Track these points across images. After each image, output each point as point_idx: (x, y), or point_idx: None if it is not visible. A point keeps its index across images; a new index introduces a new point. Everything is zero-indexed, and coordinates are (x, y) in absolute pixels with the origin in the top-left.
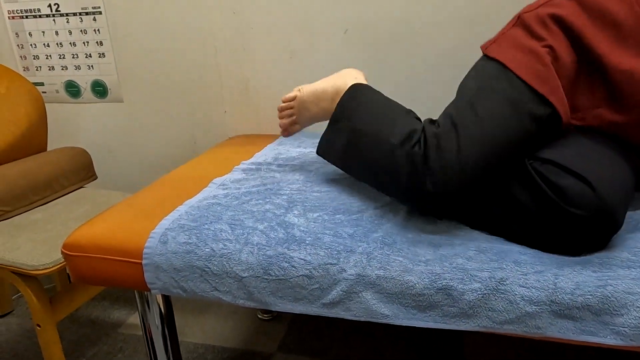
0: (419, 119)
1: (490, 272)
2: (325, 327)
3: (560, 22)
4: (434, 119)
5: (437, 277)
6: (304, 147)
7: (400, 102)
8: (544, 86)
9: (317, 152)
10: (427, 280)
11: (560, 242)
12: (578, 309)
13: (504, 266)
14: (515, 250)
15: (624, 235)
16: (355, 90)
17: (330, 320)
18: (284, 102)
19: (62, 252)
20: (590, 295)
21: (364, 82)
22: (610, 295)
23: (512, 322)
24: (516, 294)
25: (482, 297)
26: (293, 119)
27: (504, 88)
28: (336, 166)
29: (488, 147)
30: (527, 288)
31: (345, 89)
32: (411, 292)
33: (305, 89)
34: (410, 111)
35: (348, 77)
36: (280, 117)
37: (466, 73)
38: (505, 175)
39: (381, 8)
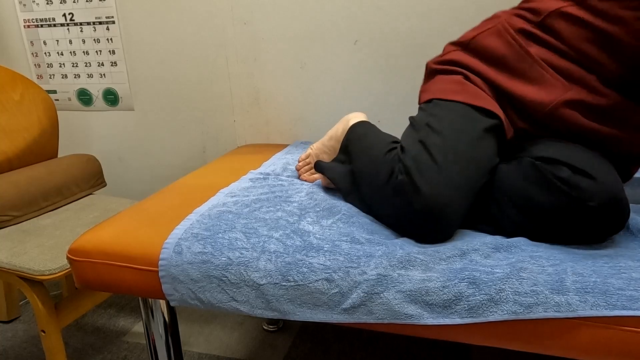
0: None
1: (510, 265)
2: (331, 340)
3: (458, 64)
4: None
5: (459, 270)
6: None
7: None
8: (480, 100)
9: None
10: (449, 274)
11: (578, 234)
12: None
13: (522, 259)
14: (529, 250)
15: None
16: (351, 132)
17: (337, 334)
18: (299, 161)
19: (67, 257)
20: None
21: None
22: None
23: (539, 304)
24: (538, 279)
25: (507, 278)
26: (313, 172)
27: (451, 109)
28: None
29: (458, 154)
30: (548, 275)
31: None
32: (435, 287)
33: (315, 144)
34: (394, 143)
35: (351, 120)
36: (301, 175)
37: None
38: (488, 185)
39: (390, 20)
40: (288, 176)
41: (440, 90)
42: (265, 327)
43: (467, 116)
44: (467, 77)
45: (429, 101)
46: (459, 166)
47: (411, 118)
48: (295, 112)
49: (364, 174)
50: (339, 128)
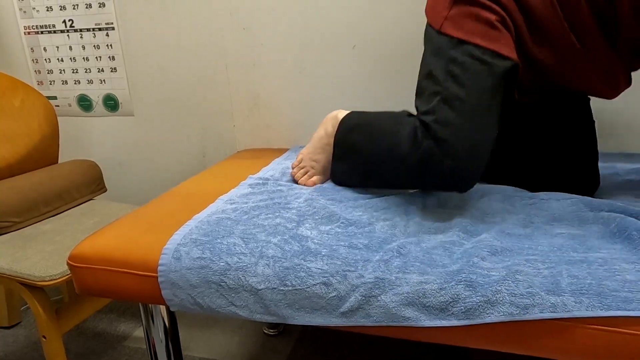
0: (410, 114)
1: (506, 268)
2: (332, 344)
3: (500, 2)
4: (416, 111)
5: (455, 273)
6: None
7: (407, 116)
8: (497, 44)
9: (335, 182)
10: (446, 277)
11: None
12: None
13: (518, 262)
14: (525, 253)
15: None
16: (345, 123)
17: (337, 338)
18: (292, 168)
19: (68, 264)
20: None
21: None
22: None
23: (535, 305)
24: (534, 281)
25: (503, 280)
26: (310, 175)
27: (475, 56)
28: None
29: (482, 108)
30: (544, 277)
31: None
32: (432, 289)
33: (304, 149)
34: (401, 114)
35: (339, 114)
36: (298, 180)
37: None
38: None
39: (389, 24)
40: (287, 181)
41: (471, 32)
42: (266, 331)
43: (489, 63)
44: (503, 20)
45: (452, 38)
46: (484, 120)
47: (428, 62)
48: (294, 116)
49: (378, 154)
50: (328, 125)
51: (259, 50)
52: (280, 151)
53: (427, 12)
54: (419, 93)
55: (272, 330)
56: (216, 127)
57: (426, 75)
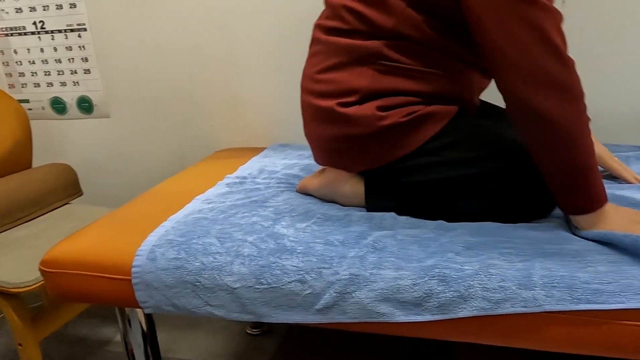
0: None
1: (480, 262)
2: (317, 342)
3: None
4: None
5: (430, 268)
6: (289, 159)
7: None
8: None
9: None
10: (420, 272)
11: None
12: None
13: (492, 256)
14: (500, 246)
15: None
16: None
17: (322, 336)
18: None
19: (40, 269)
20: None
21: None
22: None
23: (507, 300)
24: (507, 274)
25: (476, 275)
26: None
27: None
28: None
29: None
30: (517, 270)
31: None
32: (406, 285)
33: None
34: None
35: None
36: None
37: None
38: None
39: None
40: (264, 178)
41: None
42: (249, 331)
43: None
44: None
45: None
46: None
47: None
48: (273, 114)
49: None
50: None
51: (236, 49)
52: (258, 150)
53: None
54: None
55: (255, 330)
56: (195, 127)
57: None
